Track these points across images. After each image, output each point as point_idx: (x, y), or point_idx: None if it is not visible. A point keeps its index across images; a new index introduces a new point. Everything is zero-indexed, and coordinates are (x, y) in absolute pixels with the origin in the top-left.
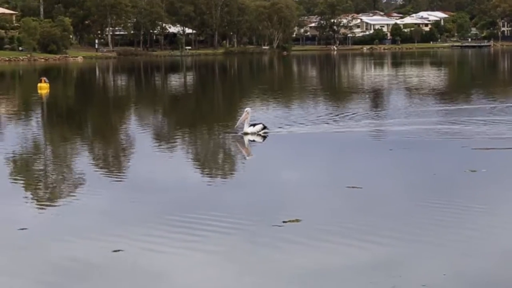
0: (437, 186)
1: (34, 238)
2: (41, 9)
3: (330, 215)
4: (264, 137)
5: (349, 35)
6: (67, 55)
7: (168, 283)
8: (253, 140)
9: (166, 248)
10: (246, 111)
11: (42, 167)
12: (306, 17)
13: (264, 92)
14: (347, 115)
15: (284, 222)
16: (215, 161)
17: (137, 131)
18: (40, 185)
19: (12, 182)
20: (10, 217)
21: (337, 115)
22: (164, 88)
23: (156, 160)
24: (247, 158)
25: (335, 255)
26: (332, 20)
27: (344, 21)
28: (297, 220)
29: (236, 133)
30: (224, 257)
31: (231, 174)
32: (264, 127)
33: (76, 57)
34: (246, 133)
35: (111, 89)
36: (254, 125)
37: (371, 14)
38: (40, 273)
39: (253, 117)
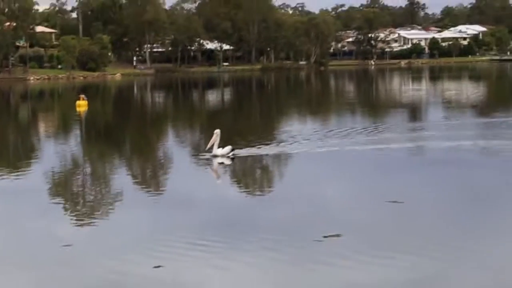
0: (479, 201)
1: (78, 255)
2: (80, 27)
3: (371, 230)
4: (233, 159)
5: (386, 49)
6: (106, 73)
7: None
8: (222, 162)
9: (206, 264)
10: (216, 133)
11: (81, 185)
12: (343, 32)
13: (300, 109)
14: (385, 131)
15: (324, 237)
16: (252, 177)
17: (175, 148)
18: (81, 203)
19: (53, 200)
20: (54, 234)
21: (374, 131)
22: (201, 105)
23: (193, 177)
24: (217, 181)
25: (375, 270)
26: (369, 35)
27: (382, 35)
28: (337, 235)
29: (205, 155)
30: (265, 272)
31: (269, 190)
32: (233, 149)
33: (114, 74)
34: (216, 155)
35: (149, 106)
36: (222, 147)
37: (409, 28)
38: None
39: (291, 133)
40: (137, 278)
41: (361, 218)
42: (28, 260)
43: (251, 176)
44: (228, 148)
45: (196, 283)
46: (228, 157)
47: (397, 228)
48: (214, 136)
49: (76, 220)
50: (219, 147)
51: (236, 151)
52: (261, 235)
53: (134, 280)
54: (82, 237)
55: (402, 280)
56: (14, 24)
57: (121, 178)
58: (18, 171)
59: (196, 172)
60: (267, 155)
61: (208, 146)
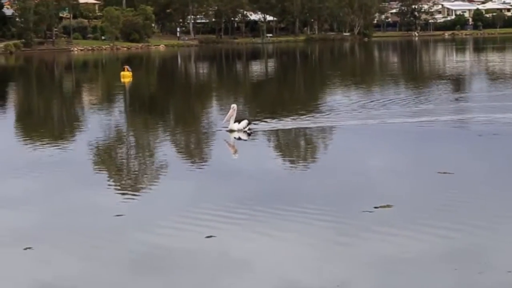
0: None
1: (132, 224)
2: None
3: (422, 200)
4: (249, 134)
5: (430, 21)
6: (149, 44)
7: (259, 269)
8: (239, 138)
9: (257, 234)
10: (232, 107)
11: (127, 155)
12: (387, 3)
13: (344, 80)
14: (430, 102)
15: (375, 207)
16: (297, 148)
17: (219, 118)
18: (127, 173)
19: (99, 170)
20: (105, 204)
21: (419, 102)
22: (245, 75)
23: (238, 147)
24: (233, 156)
25: (424, 241)
26: (413, 6)
27: (425, 7)
28: (388, 206)
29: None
30: (315, 241)
31: (314, 162)
32: (249, 123)
33: (158, 45)
34: (232, 130)
35: (193, 76)
36: (239, 121)
37: (452, 0)
38: (137, 258)
39: (335, 104)
40: (192, 247)
41: (412, 189)
42: (84, 229)
43: (295, 148)
44: (244, 122)
45: (249, 253)
46: (245, 131)
47: (449, 198)
48: (231, 110)
49: (124, 190)
50: (235, 121)
51: (282, 124)
52: (310, 205)
53: (190, 249)
54: (133, 207)
55: (448, 251)
56: None
57: (166, 148)
58: (63, 142)
59: (240, 143)
60: (310, 127)
61: (225, 120)
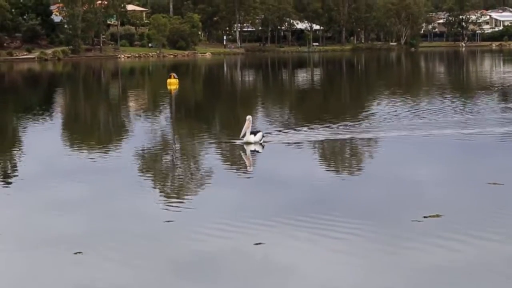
0: None
1: (181, 230)
2: (171, 6)
3: (472, 210)
4: (263, 146)
5: (478, 31)
6: (196, 51)
7: (308, 278)
8: (255, 150)
9: (307, 243)
10: (248, 118)
11: (173, 163)
12: (434, 13)
13: (391, 89)
14: (476, 113)
15: (424, 217)
16: (342, 157)
17: (264, 127)
18: (174, 180)
19: (146, 177)
20: (153, 211)
21: (465, 113)
22: (291, 83)
23: (282, 155)
24: (249, 169)
25: (473, 251)
26: (460, 17)
27: (473, 17)
28: (437, 216)
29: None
30: (363, 251)
31: (363, 171)
32: (263, 136)
33: (204, 53)
34: (249, 143)
35: (239, 84)
36: (254, 133)
37: (500, 11)
38: (187, 264)
39: (380, 115)
40: (241, 254)
41: (462, 199)
42: (133, 235)
43: (341, 157)
44: (260, 134)
45: (298, 261)
46: (260, 144)
47: (499, 209)
48: (247, 122)
49: (173, 197)
50: (251, 133)
51: (328, 133)
52: (358, 214)
53: (240, 256)
54: (182, 214)
55: (498, 261)
56: (106, 2)
57: (211, 156)
58: (111, 149)
59: (285, 151)
60: (356, 137)
61: (242, 133)
